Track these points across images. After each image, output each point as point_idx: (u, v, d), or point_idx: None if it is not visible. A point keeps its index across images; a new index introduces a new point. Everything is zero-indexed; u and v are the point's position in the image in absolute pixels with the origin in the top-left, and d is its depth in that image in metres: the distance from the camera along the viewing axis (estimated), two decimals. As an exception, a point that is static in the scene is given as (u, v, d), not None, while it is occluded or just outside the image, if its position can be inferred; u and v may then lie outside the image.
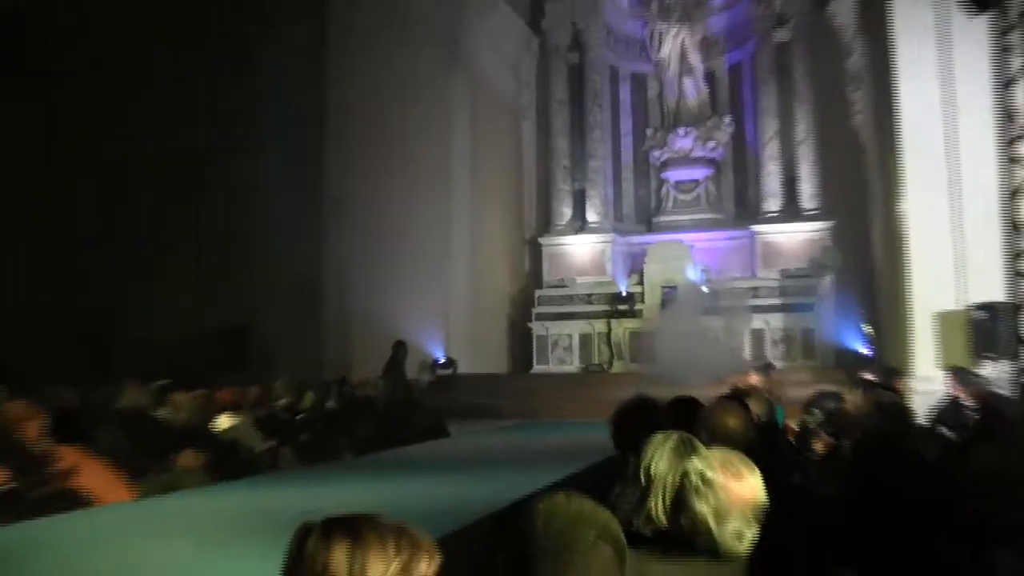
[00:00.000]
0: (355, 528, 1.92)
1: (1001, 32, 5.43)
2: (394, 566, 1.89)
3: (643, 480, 3.44)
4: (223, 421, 10.55)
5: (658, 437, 3.58)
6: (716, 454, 3.12)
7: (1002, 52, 5.42)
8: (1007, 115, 5.41)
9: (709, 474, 2.98)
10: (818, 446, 8.67)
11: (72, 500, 7.51)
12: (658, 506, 3.24)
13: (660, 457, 3.43)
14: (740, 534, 2.97)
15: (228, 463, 9.66)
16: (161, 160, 17.78)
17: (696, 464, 3.04)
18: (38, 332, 17.51)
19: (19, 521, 6.45)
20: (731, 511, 2.95)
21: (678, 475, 3.13)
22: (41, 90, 18.58)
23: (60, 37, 18.63)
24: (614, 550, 2.13)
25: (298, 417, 12.33)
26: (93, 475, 8.24)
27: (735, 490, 2.98)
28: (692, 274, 23.38)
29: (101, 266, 17.73)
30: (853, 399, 8.38)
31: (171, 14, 17.90)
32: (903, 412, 6.91)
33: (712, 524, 2.92)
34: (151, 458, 9.14)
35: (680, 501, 2.99)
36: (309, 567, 1.87)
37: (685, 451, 3.41)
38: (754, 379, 12.42)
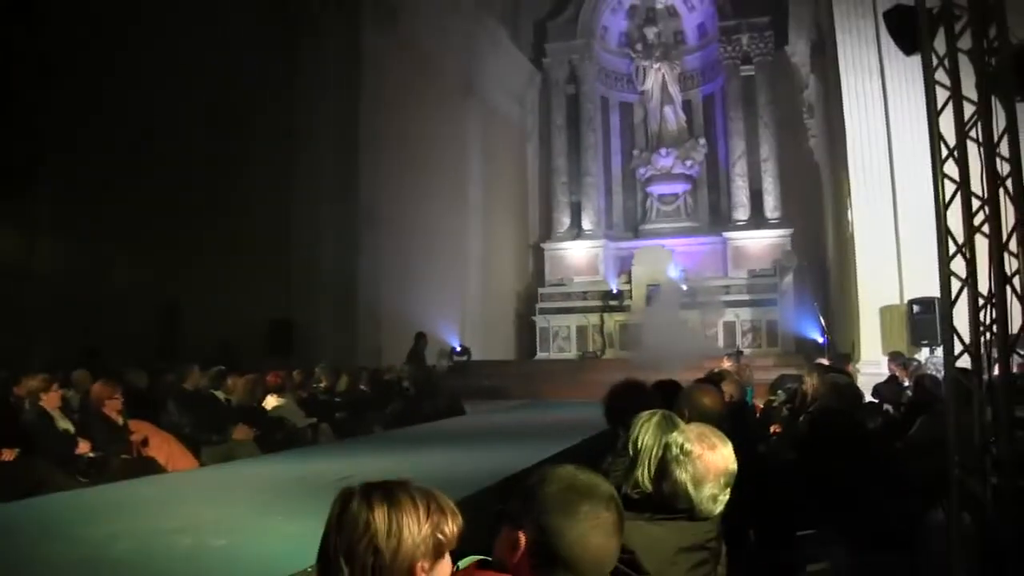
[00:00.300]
0: (391, 492, 1.90)
1: (930, 69, 5.43)
2: (425, 526, 1.87)
3: (631, 451, 3.45)
4: (271, 401, 10.58)
5: (644, 414, 3.60)
6: (693, 428, 3.11)
7: (931, 86, 5.42)
8: (938, 138, 5.41)
9: (687, 446, 2.97)
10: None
11: (145, 467, 7.56)
12: (644, 474, 3.25)
13: (646, 432, 3.44)
14: (715, 497, 2.96)
15: (275, 437, 9.70)
16: (223, 177, 17.84)
17: (676, 437, 3.04)
18: (118, 322, 17.58)
19: (101, 485, 6.47)
20: (707, 478, 2.95)
21: (661, 447, 3.14)
22: (126, 112, 18.66)
23: (133, 66, 18.69)
24: (616, 516, 2.13)
25: (336, 399, 12.34)
26: (161, 446, 8.29)
27: (710, 459, 2.97)
28: (672, 274, 23.39)
29: (170, 266, 17.81)
30: (810, 380, 8.40)
31: (234, 47, 17.96)
32: (852, 391, 6.91)
33: (691, 489, 2.92)
34: (210, 432, 9.17)
35: (663, 470, 3.00)
36: (352, 526, 1.84)
37: (667, 426, 3.42)
38: (727, 364, 12.47)
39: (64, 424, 8.13)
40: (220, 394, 10.07)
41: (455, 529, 1.94)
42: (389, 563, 1.82)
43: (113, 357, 13.86)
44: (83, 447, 7.74)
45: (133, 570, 3.41)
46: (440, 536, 1.89)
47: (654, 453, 3.23)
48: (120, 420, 8.18)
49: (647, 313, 22.19)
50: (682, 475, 2.93)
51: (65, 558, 3.66)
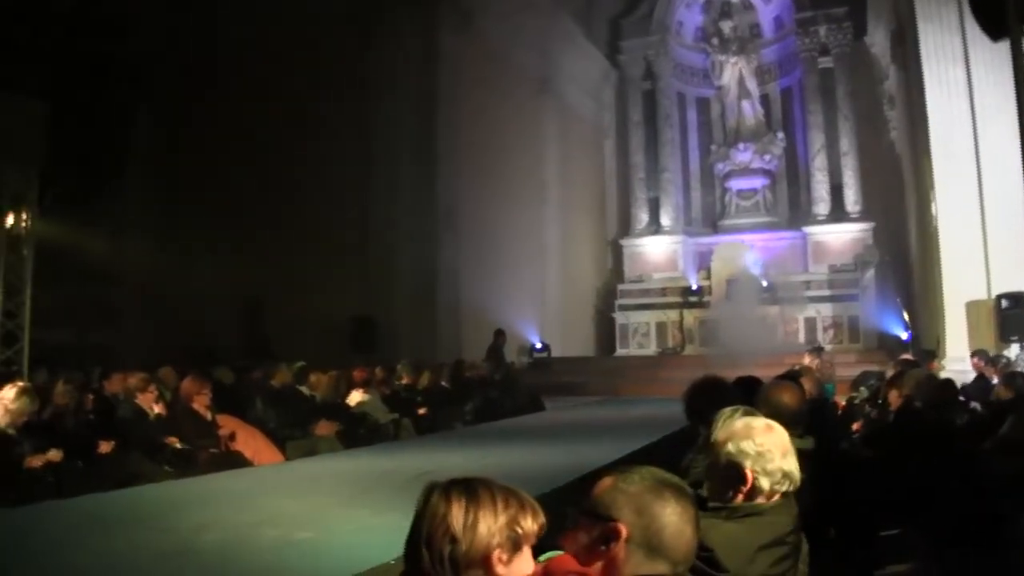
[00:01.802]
0: (471, 487, 1.98)
1: (1019, 55, 5.28)
2: (502, 519, 1.94)
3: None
4: (356, 396, 10.71)
5: (726, 411, 3.56)
6: (738, 428, 3.07)
7: (1020, 71, 5.27)
8: (1027, 127, 5.28)
9: (759, 439, 2.95)
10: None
11: (232, 461, 7.72)
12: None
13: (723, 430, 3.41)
14: (787, 473, 2.94)
15: (358, 432, 9.81)
16: (304, 178, 18.12)
17: (729, 448, 3.00)
18: (203, 321, 17.98)
19: (190, 477, 6.62)
20: (787, 449, 2.94)
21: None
22: (208, 117, 19.09)
23: (215, 73, 19.08)
24: (697, 512, 2.18)
25: (418, 396, 12.44)
26: (248, 441, 8.45)
27: (775, 438, 2.96)
28: (752, 269, 23.14)
29: (252, 265, 18.11)
30: (892, 377, 8.24)
31: (313, 50, 18.26)
32: (945, 387, 6.77)
33: (784, 466, 2.92)
34: (295, 427, 9.33)
35: (733, 478, 2.96)
36: (431, 517, 1.93)
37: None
38: (808, 360, 12.28)
39: (157, 416, 8.35)
40: (304, 390, 10.23)
41: (534, 525, 1.99)
42: (465, 551, 1.90)
43: (200, 355, 14.16)
44: (172, 441, 7.95)
45: (220, 560, 3.50)
46: (518, 529, 1.96)
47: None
48: (208, 415, 8.37)
49: (726, 309, 21.99)
50: (771, 464, 2.91)
51: (155, 547, 3.76)
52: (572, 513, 2.18)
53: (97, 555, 3.63)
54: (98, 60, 19.17)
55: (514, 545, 1.95)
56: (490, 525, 1.93)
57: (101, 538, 4.00)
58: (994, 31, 5.69)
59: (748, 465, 2.92)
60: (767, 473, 2.91)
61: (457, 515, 1.92)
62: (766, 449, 2.93)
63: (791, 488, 2.95)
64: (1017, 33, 5.30)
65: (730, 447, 2.97)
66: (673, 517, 2.10)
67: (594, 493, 2.17)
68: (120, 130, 20.20)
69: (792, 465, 2.95)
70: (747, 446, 2.95)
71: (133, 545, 3.82)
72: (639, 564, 2.07)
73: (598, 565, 2.06)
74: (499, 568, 1.93)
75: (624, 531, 2.07)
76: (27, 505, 5.69)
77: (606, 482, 2.18)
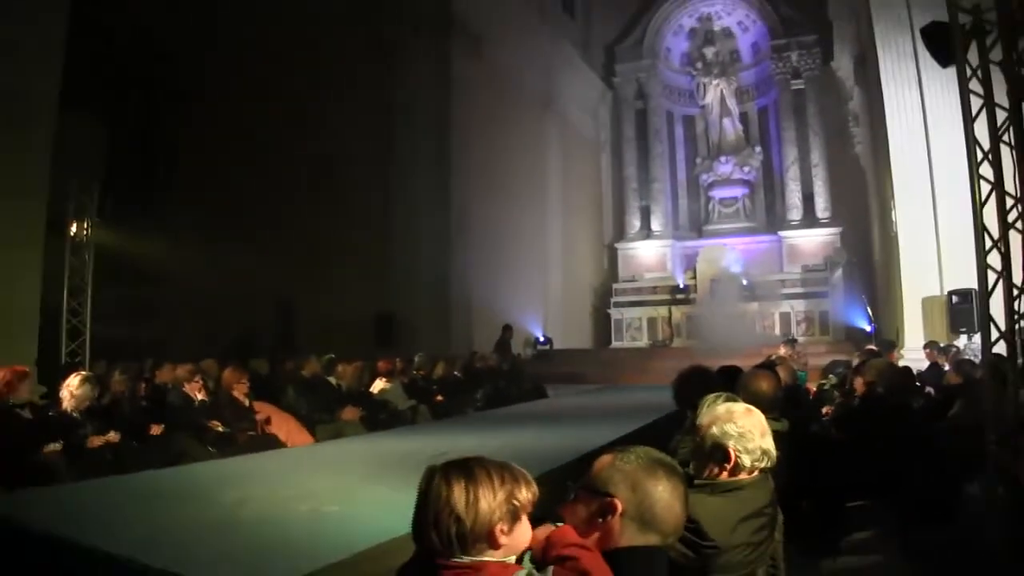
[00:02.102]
0: (467, 467, 1.99)
1: (964, 80, 5.31)
2: (500, 494, 1.95)
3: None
4: (379, 385, 10.73)
5: (710, 397, 3.59)
6: (720, 412, 3.10)
7: (966, 94, 5.30)
8: (973, 143, 5.29)
9: (740, 421, 2.98)
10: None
11: (267, 443, 7.76)
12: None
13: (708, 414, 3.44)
14: (765, 451, 2.97)
15: (379, 417, 9.84)
16: (331, 188, 18.18)
17: (713, 431, 3.02)
18: (242, 317, 18.05)
19: (231, 457, 6.66)
20: (753, 439, 2.96)
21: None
22: (246, 131, 19.16)
23: (252, 91, 19.16)
24: (686, 489, 2.23)
25: (433, 384, 12.45)
26: (281, 425, 8.49)
27: (754, 419, 2.99)
28: (733, 270, 23.15)
29: (286, 267, 18.18)
30: (857, 366, 8.26)
31: (339, 73, 18.34)
32: (904, 373, 6.79)
33: (763, 444, 2.94)
34: (323, 413, 9.36)
35: (719, 455, 2.99)
36: (435, 500, 1.94)
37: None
38: (783, 351, 12.28)
39: (199, 405, 8.41)
40: (332, 379, 10.26)
41: (529, 495, 2.00)
42: (470, 528, 1.91)
43: (238, 348, 14.23)
44: (214, 424, 8.01)
45: (260, 530, 3.53)
46: (515, 502, 1.97)
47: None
48: (246, 402, 8.41)
49: (710, 305, 22.00)
50: (751, 443, 2.95)
51: (203, 518, 3.80)
52: (572, 487, 2.21)
53: (152, 524, 3.67)
54: (150, 86, 19.29)
55: (513, 516, 1.96)
56: (490, 501, 1.93)
57: (155, 510, 4.04)
58: (943, 59, 5.73)
59: (731, 445, 2.96)
60: (748, 451, 2.94)
61: (459, 496, 1.93)
62: (746, 430, 2.96)
63: (769, 464, 2.98)
64: (962, 60, 5.34)
65: (714, 429, 3.01)
66: (664, 494, 2.14)
67: (593, 470, 2.21)
68: (169, 147, 20.33)
69: (769, 444, 2.99)
70: (730, 428, 2.98)
71: (182, 516, 3.86)
72: (632, 536, 2.11)
73: (595, 536, 2.09)
74: (502, 539, 1.94)
75: (619, 506, 2.11)
76: (89, 480, 5.75)
77: (605, 460, 2.21)
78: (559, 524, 2.14)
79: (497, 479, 1.97)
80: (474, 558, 1.93)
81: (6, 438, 6.34)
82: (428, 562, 1.95)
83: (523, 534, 2.00)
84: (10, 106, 9.99)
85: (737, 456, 2.95)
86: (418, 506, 1.98)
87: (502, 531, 1.94)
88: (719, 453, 2.98)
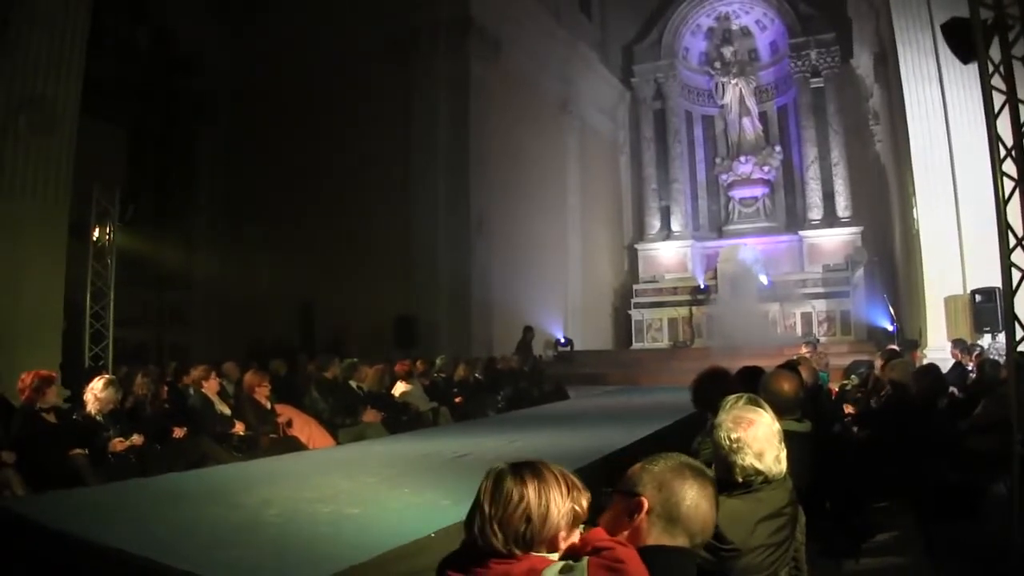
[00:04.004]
0: (538, 469, 2.01)
1: (986, 76, 5.27)
2: (567, 500, 1.99)
3: None
4: (398, 387, 10.75)
5: (731, 398, 3.56)
6: (729, 417, 3.07)
7: (988, 91, 5.25)
8: (996, 139, 5.24)
9: (734, 435, 2.95)
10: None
11: (289, 445, 7.81)
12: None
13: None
14: (778, 458, 2.95)
15: (401, 419, 9.86)
16: (352, 193, 18.27)
17: (721, 435, 3.00)
18: (265, 320, 18.18)
19: (254, 459, 6.70)
20: (764, 447, 2.94)
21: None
22: (266, 139, 19.32)
23: (272, 100, 19.29)
24: (715, 492, 2.25)
25: (454, 386, 12.47)
26: (303, 427, 8.53)
27: (756, 433, 2.95)
28: (754, 270, 23.04)
29: (306, 271, 18.30)
30: (881, 365, 8.21)
31: (360, 80, 18.45)
32: (928, 372, 6.72)
33: (758, 464, 2.91)
34: (345, 415, 9.39)
35: (728, 464, 2.96)
36: (507, 498, 1.95)
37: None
38: (805, 351, 12.23)
39: (222, 408, 8.46)
40: (353, 383, 10.29)
41: (586, 504, 2.04)
42: (539, 530, 1.94)
43: (261, 352, 14.31)
44: (238, 427, 8.06)
45: (283, 532, 3.55)
46: (578, 509, 2.01)
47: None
48: (268, 404, 8.46)
49: (731, 306, 21.90)
50: (744, 459, 2.91)
51: (226, 520, 3.83)
52: (607, 493, 2.26)
53: (177, 527, 3.71)
54: (171, 93, 19.47)
55: (574, 523, 2.01)
56: (559, 507, 1.97)
57: (180, 512, 4.07)
58: (964, 55, 5.68)
59: (725, 456, 2.95)
60: (740, 467, 2.92)
61: (533, 498, 1.94)
62: (745, 443, 2.93)
63: (765, 480, 2.92)
64: (984, 56, 5.29)
65: (719, 432, 3.01)
66: (691, 492, 2.16)
67: (626, 474, 2.24)
68: (190, 153, 20.51)
69: (768, 461, 2.92)
70: (724, 438, 2.97)
71: (207, 518, 3.89)
72: (660, 535, 2.13)
73: (624, 534, 2.11)
74: (562, 544, 1.98)
75: (646, 504, 2.13)
76: (115, 482, 5.81)
77: (636, 466, 2.25)
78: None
79: (565, 487, 2.00)
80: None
81: (33, 441, 6.41)
82: (478, 556, 1.97)
83: (574, 537, 2.04)
84: (33, 113, 10.11)
85: (732, 466, 2.94)
86: (480, 504, 1.98)
87: (563, 537, 1.98)
88: (719, 461, 2.99)
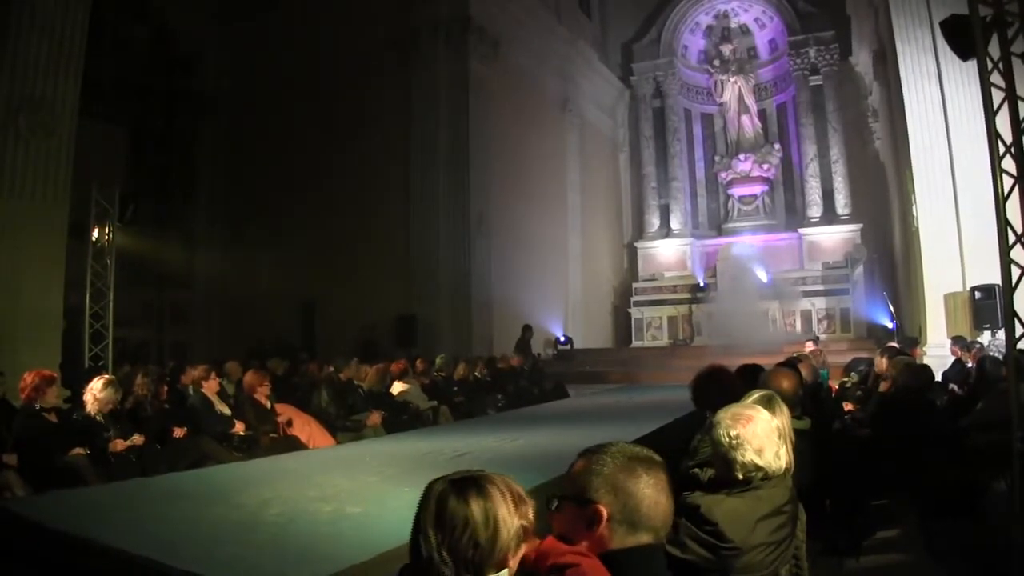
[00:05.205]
0: (481, 487, 1.86)
1: (985, 73, 5.27)
2: (516, 519, 1.85)
3: None
4: (397, 386, 10.74)
5: (753, 395, 3.58)
6: (727, 415, 3.06)
7: (987, 87, 5.25)
8: (995, 136, 5.24)
9: (732, 432, 2.95)
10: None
11: (289, 444, 7.81)
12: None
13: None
14: (777, 454, 2.95)
15: (401, 418, 9.87)
16: (351, 192, 18.29)
17: (720, 433, 2.99)
18: (266, 320, 18.20)
19: (254, 459, 6.69)
20: (763, 443, 2.94)
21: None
22: (266, 138, 19.33)
23: (272, 100, 19.30)
24: (668, 476, 2.17)
25: (454, 385, 12.47)
26: (303, 427, 8.54)
27: (755, 430, 2.95)
28: (754, 268, 23.04)
29: (307, 270, 18.32)
30: (881, 363, 8.20)
31: (360, 79, 18.45)
32: (925, 371, 6.73)
33: (758, 460, 2.91)
34: (348, 415, 9.40)
35: (728, 462, 2.97)
36: (451, 523, 1.81)
37: (767, 407, 3.34)
38: (810, 347, 12.31)
39: (222, 408, 8.47)
40: (354, 380, 10.29)
41: (533, 515, 1.92)
42: (488, 554, 1.81)
43: (262, 351, 14.33)
44: (238, 427, 8.06)
45: (284, 531, 3.55)
46: (526, 524, 1.89)
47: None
48: (268, 404, 8.46)
49: (731, 304, 21.89)
50: (743, 456, 2.92)
51: (227, 520, 3.82)
52: (552, 499, 2.14)
53: (178, 526, 3.70)
54: (170, 93, 19.48)
55: (522, 539, 1.88)
56: (509, 527, 1.84)
57: (181, 512, 4.07)
58: (963, 52, 5.68)
59: (723, 453, 2.96)
60: (741, 464, 2.93)
61: (479, 520, 1.81)
62: (743, 440, 2.93)
63: (765, 476, 2.94)
64: (983, 53, 5.29)
65: (719, 430, 3.01)
66: (647, 490, 2.08)
67: (571, 477, 2.15)
68: (189, 153, 20.52)
69: (768, 457, 2.93)
70: (723, 435, 2.97)
71: (207, 518, 3.89)
72: (623, 538, 2.06)
73: (584, 544, 2.04)
74: (512, 562, 1.86)
75: (605, 512, 2.05)
76: (115, 482, 5.81)
77: (579, 465, 2.15)
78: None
79: (511, 501, 1.87)
80: None
81: (33, 441, 6.41)
82: None
83: (523, 550, 1.91)
84: (32, 113, 10.11)
85: (731, 463, 2.94)
86: (423, 529, 1.84)
87: (512, 555, 1.86)
88: (719, 459, 3.00)
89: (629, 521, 2.06)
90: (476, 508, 1.82)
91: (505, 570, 1.85)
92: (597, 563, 1.94)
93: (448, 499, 1.84)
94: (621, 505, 2.06)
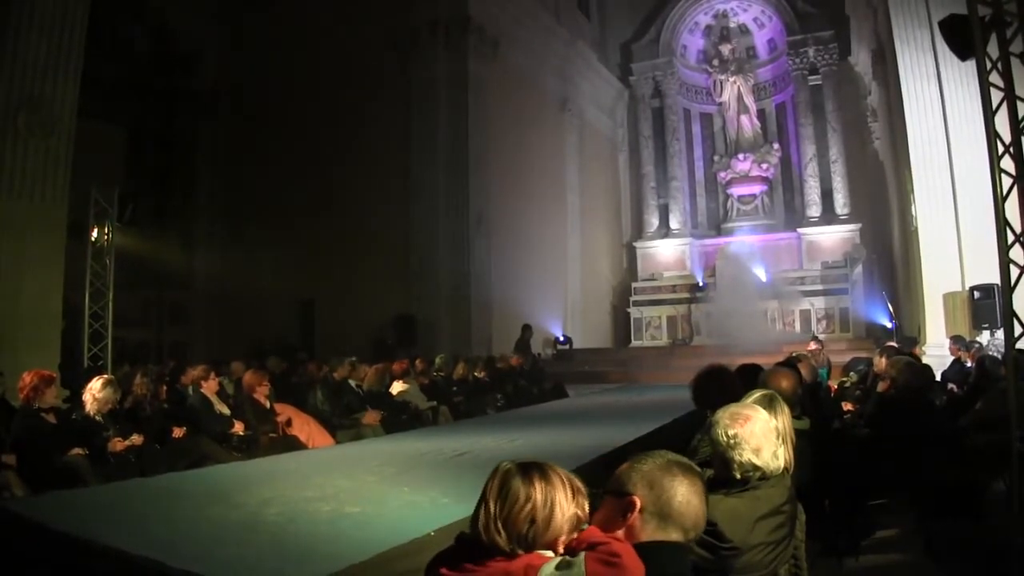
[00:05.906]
0: (546, 472, 2.02)
1: (984, 73, 5.27)
2: (572, 505, 2.01)
3: None
4: (397, 386, 10.73)
5: (755, 394, 3.58)
6: (725, 414, 3.07)
7: (986, 87, 5.26)
8: (994, 136, 5.25)
9: (730, 431, 2.96)
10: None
11: (289, 444, 7.81)
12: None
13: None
14: (775, 454, 2.96)
15: (400, 418, 9.86)
16: (351, 192, 18.28)
17: (718, 432, 3.00)
18: (265, 320, 18.20)
19: (253, 459, 6.70)
20: (761, 443, 2.94)
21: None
22: (267, 140, 19.34)
23: (272, 101, 19.30)
24: (705, 487, 2.28)
25: (454, 385, 12.46)
26: (303, 426, 8.53)
27: (752, 429, 2.96)
28: (753, 267, 23.05)
29: (306, 270, 18.32)
30: (880, 363, 8.20)
31: (359, 80, 18.45)
32: (925, 371, 6.73)
33: (755, 460, 2.92)
34: (344, 414, 9.39)
35: (726, 461, 2.97)
36: (514, 498, 1.97)
37: (768, 407, 3.34)
38: (813, 346, 12.34)
39: (222, 408, 8.46)
40: (352, 382, 10.29)
41: (587, 507, 2.07)
42: (542, 532, 1.96)
43: (262, 351, 14.32)
44: (237, 427, 8.06)
45: (283, 531, 3.55)
46: (580, 513, 2.03)
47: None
48: (267, 404, 8.46)
49: (730, 303, 21.90)
50: (741, 455, 2.92)
51: (226, 519, 3.83)
52: (597, 493, 2.26)
53: (178, 526, 3.70)
54: (170, 93, 19.47)
55: (576, 528, 2.03)
56: (564, 511, 1.98)
57: (180, 511, 4.07)
58: (962, 52, 5.68)
59: (722, 452, 2.96)
60: (739, 463, 2.93)
61: (539, 499, 1.96)
62: (741, 439, 2.94)
63: (763, 476, 2.94)
64: (982, 53, 5.30)
65: (717, 429, 3.01)
66: (681, 488, 2.18)
67: (615, 475, 2.27)
68: (189, 153, 20.51)
69: (766, 457, 2.94)
70: (721, 435, 2.98)
71: (208, 517, 3.89)
72: (654, 531, 2.16)
73: (619, 533, 2.14)
74: (560, 548, 2.00)
75: (638, 503, 2.16)
76: (115, 482, 5.81)
77: (624, 465, 2.28)
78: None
79: (570, 489, 2.02)
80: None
81: (32, 441, 6.40)
82: (477, 553, 1.98)
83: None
84: (32, 113, 10.12)
85: (729, 463, 2.94)
86: (486, 502, 2.00)
87: (563, 541, 2.00)
88: (717, 459, 3.00)
89: (660, 515, 2.17)
90: (538, 488, 1.98)
91: (552, 552, 1.99)
92: (628, 546, 2.04)
93: (513, 477, 2.01)
94: (655, 498, 2.18)
